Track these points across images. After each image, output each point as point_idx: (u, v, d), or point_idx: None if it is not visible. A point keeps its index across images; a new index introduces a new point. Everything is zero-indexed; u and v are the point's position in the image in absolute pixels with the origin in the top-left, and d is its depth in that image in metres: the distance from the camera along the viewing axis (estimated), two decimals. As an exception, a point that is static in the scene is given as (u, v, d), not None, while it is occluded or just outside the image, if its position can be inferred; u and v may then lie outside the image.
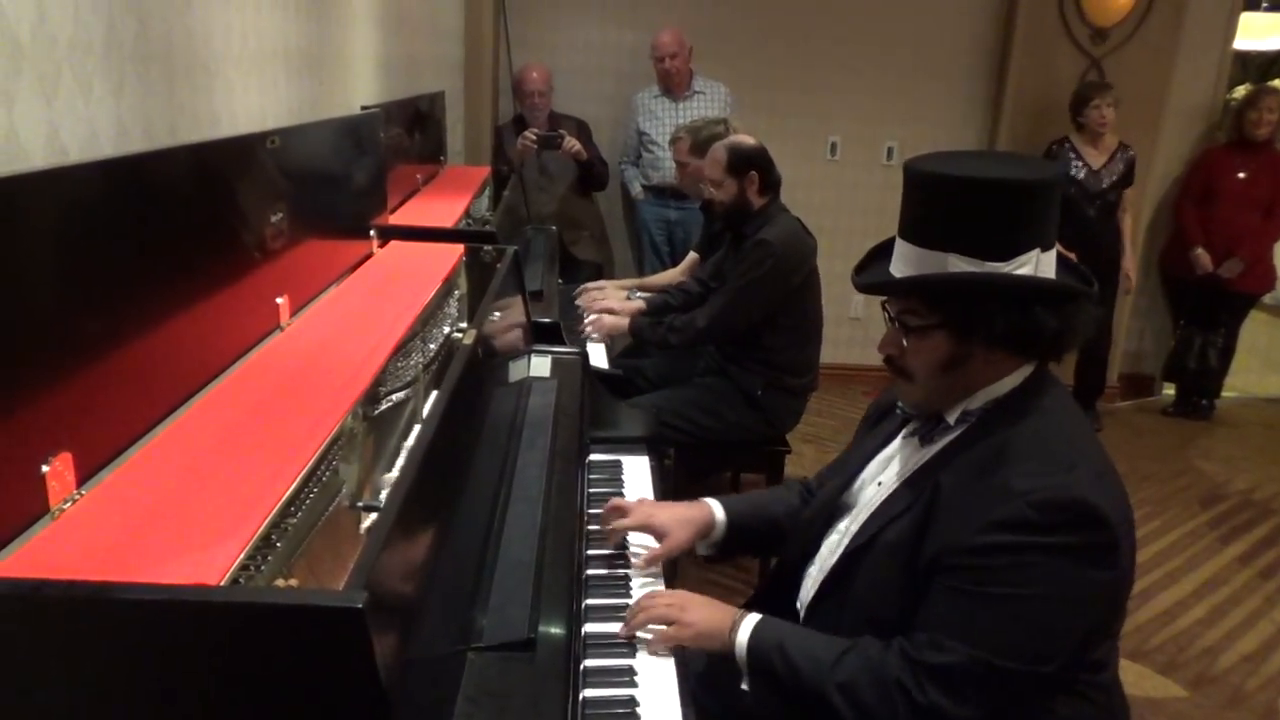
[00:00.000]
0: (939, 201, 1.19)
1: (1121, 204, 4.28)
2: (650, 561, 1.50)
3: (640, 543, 1.56)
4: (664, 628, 1.30)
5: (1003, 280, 1.16)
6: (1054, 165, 3.66)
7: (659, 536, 1.52)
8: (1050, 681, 1.14)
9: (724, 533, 1.56)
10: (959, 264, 1.17)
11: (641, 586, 1.46)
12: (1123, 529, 1.13)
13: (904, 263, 1.23)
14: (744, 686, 1.27)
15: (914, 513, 1.22)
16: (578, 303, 3.12)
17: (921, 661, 1.13)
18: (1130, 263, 4.36)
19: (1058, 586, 1.10)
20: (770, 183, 2.82)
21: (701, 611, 1.31)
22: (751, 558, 2.91)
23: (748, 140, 2.87)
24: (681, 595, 1.35)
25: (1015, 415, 1.20)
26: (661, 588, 1.47)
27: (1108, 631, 1.20)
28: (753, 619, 1.28)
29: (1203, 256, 4.48)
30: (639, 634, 1.32)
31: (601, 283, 3.28)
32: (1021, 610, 1.10)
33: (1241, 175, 4.44)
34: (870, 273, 1.31)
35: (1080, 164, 4.19)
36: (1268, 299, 5.12)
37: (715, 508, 1.57)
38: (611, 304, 3.10)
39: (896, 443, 1.37)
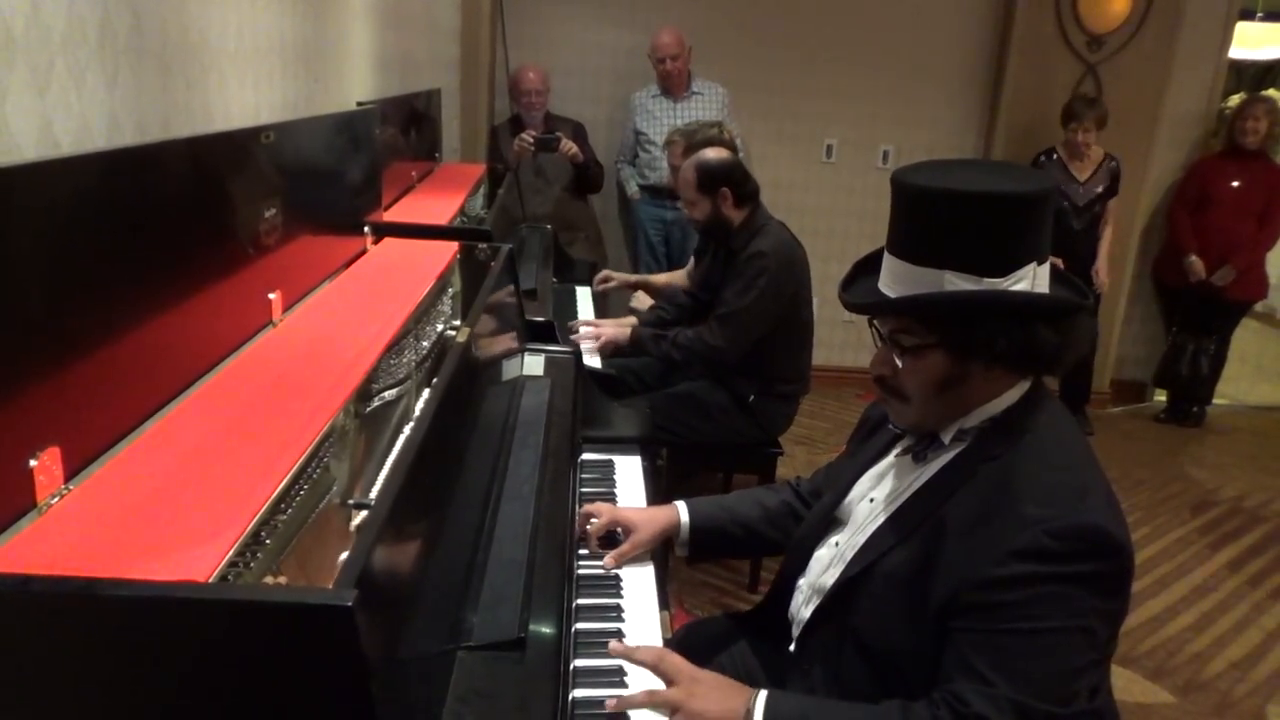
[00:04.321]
0: (934, 216, 1.14)
1: (1105, 216, 4.30)
2: (618, 558, 1.50)
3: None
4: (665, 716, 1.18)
5: (1005, 298, 1.13)
6: (1047, 175, 3.68)
7: (627, 532, 1.53)
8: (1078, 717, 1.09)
9: (688, 535, 1.56)
10: (956, 281, 1.13)
11: (632, 584, 1.46)
12: (1129, 555, 1.10)
13: (896, 280, 1.18)
14: None
15: (914, 543, 1.18)
16: (573, 337, 2.89)
17: (973, 714, 1.06)
18: (1102, 265, 4.36)
19: (1077, 616, 1.06)
20: (745, 194, 2.76)
21: (712, 698, 1.18)
22: (731, 560, 2.88)
23: (716, 155, 2.79)
24: (691, 678, 1.20)
25: (1013, 434, 1.17)
26: (651, 580, 1.46)
27: (1106, 654, 1.17)
28: (762, 697, 1.18)
29: (1196, 264, 4.50)
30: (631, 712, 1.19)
31: (606, 273, 3.11)
32: (1047, 643, 1.06)
33: (1235, 184, 4.46)
34: (859, 289, 1.26)
35: (1066, 176, 4.20)
36: (1259, 307, 5.15)
37: (681, 510, 1.56)
38: (609, 330, 2.93)
39: (889, 459, 1.33)
